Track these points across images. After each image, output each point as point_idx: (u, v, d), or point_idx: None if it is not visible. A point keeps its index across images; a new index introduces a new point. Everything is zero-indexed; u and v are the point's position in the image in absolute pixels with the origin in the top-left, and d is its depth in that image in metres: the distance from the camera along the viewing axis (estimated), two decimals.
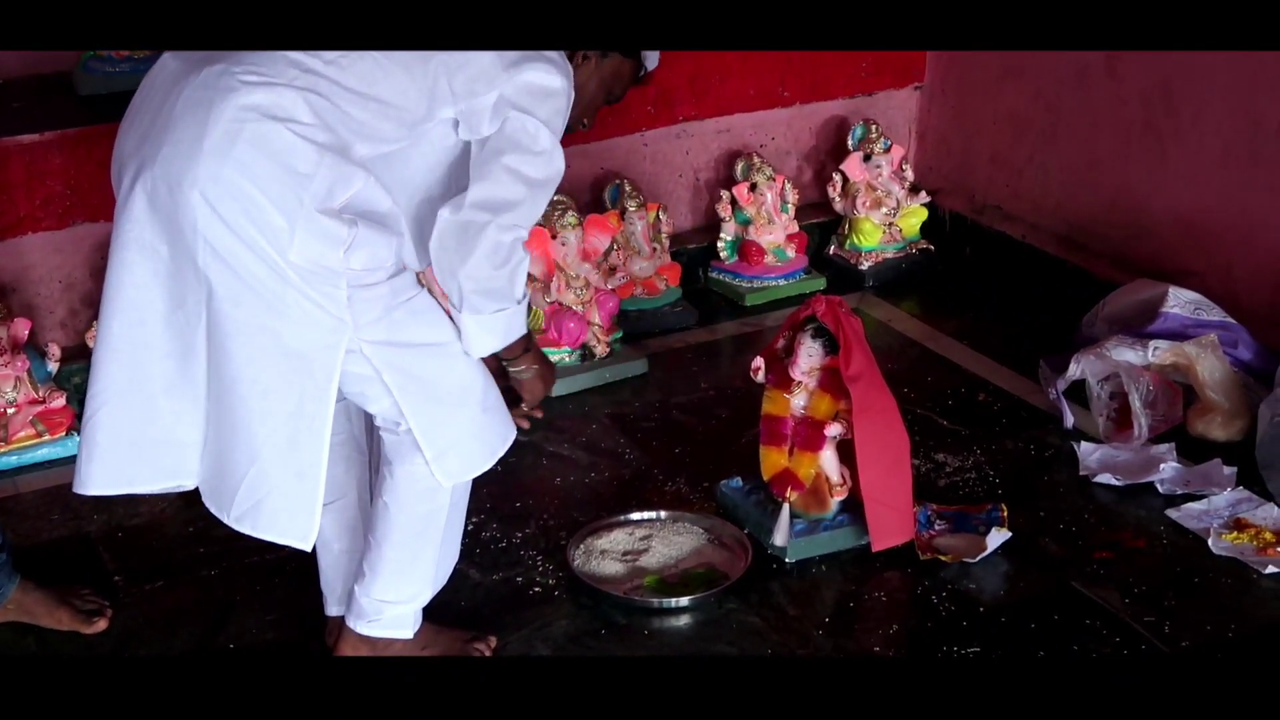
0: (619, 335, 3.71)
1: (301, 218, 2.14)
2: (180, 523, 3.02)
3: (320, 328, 2.20)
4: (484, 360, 2.40)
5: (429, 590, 2.49)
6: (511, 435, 2.44)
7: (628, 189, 3.87)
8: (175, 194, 2.15)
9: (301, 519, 2.29)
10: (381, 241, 2.22)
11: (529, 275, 3.51)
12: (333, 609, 2.62)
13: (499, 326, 2.37)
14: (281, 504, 2.28)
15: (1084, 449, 3.19)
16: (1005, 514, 2.91)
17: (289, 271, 2.16)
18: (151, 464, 2.34)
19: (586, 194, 4.02)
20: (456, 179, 2.36)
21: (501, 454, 2.42)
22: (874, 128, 4.16)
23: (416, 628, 2.51)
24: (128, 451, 2.33)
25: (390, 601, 2.47)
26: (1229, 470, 3.09)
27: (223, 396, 2.25)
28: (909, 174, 4.21)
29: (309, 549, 2.33)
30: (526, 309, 2.42)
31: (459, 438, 2.36)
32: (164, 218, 2.18)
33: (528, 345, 2.49)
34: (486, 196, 2.28)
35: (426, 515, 2.41)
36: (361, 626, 2.49)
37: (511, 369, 2.50)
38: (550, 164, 2.34)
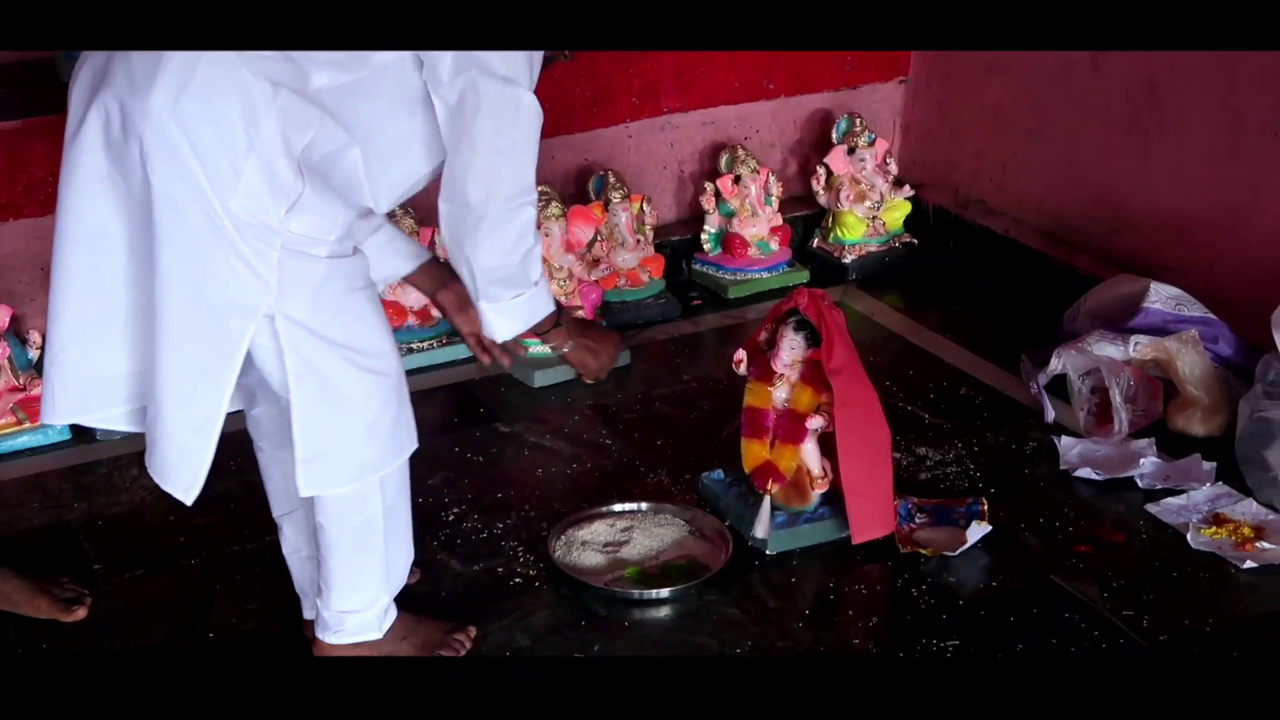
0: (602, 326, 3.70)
1: (250, 162, 2.10)
2: (160, 512, 3.01)
3: (242, 286, 2.16)
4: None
5: (385, 593, 2.48)
6: (387, 464, 2.36)
7: (612, 180, 3.87)
8: (127, 126, 2.12)
9: (188, 472, 2.27)
10: (326, 211, 2.18)
11: None
12: (309, 612, 2.62)
13: (519, 312, 2.36)
14: (172, 452, 2.27)
15: (1064, 443, 3.19)
16: (985, 508, 2.92)
17: (225, 221, 2.11)
18: (121, 391, 2.33)
19: (571, 185, 4.01)
20: (425, 123, 2.29)
21: (368, 477, 2.35)
22: (858, 121, 4.16)
23: (386, 627, 2.51)
24: (99, 380, 2.31)
25: (349, 611, 2.46)
26: (1208, 465, 3.10)
27: (149, 332, 2.23)
28: (893, 168, 4.21)
29: (190, 503, 2.31)
30: (547, 287, 2.39)
31: (332, 449, 2.30)
32: (116, 148, 2.15)
33: (558, 320, 2.47)
34: (474, 184, 2.24)
35: (362, 525, 2.39)
36: (329, 637, 2.49)
37: (548, 344, 2.49)
38: (525, 118, 2.25)
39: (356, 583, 2.45)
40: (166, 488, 2.31)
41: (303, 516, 2.54)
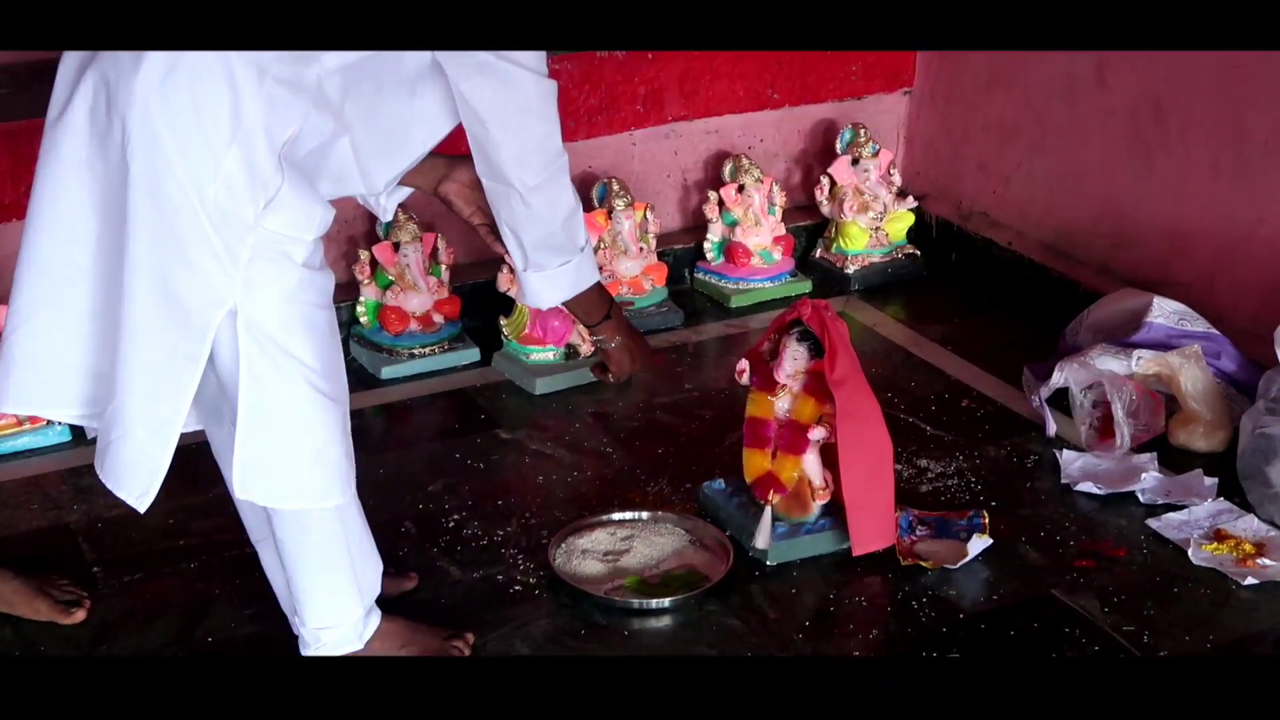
0: None
1: (231, 153, 2.08)
2: (160, 515, 2.99)
3: (209, 281, 2.12)
4: (568, 322, 2.37)
5: (358, 605, 2.46)
6: (336, 497, 2.31)
7: (615, 188, 3.87)
8: (112, 107, 2.10)
9: (142, 478, 2.24)
10: (303, 209, 2.16)
11: (512, 270, 3.53)
12: (296, 629, 2.61)
13: (565, 279, 2.37)
14: (128, 455, 2.23)
15: (1066, 457, 3.19)
16: (986, 520, 2.91)
17: (200, 212, 2.09)
18: (72, 390, 2.31)
19: None
20: (425, 100, 2.28)
21: (302, 504, 2.30)
22: (862, 132, 4.16)
23: (368, 635, 2.50)
24: (49, 373, 2.29)
25: (324, 627, 2.46)
26: (1210, 481, 3.09)
27: (112, 330, 2.21)
28: (896, 179, 4.21)
29: (142, 511, 2.28)
30: (592, 256, 2.41)
31: (272, 461, 2.24)
32: (100, 129, 2.13)
33: (609, 313, 2.47)
34: (501, 160, 2.25)
35: (322, 544, 2.37)
36: (310, 653, 2.49)
37: (595, 337, 2.49)
38: (526, 92, 2.24)
39: (326, 599, 2.43)
40: (120, 494, 2.27)
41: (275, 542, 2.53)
